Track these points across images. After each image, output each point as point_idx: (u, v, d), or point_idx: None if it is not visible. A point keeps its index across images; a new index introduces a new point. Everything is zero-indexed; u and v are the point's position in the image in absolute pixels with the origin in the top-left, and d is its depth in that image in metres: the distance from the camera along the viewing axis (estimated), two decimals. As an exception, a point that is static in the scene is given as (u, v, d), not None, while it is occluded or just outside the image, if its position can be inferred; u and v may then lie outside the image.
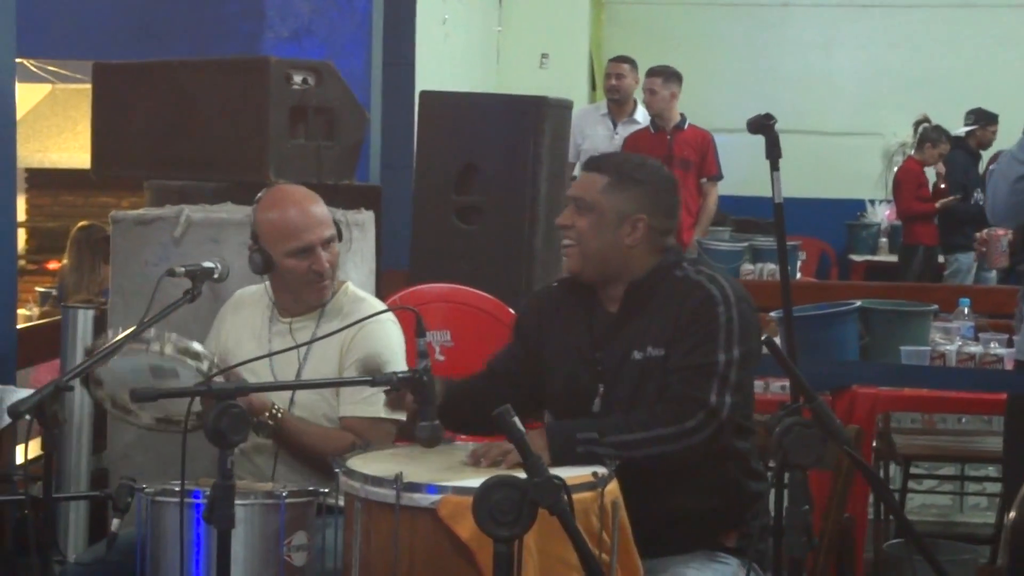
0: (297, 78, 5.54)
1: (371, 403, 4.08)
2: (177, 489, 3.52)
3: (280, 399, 4.10)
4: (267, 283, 4.34)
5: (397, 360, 4.16)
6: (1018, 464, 4.65)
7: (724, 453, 3.68)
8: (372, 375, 3.62)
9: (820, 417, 3.17)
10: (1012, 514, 3.93)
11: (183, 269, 4.09)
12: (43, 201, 13.22)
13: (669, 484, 3.65)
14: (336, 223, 4.28)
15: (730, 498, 3.67)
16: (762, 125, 3.99)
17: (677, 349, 3.66)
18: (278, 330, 4.28)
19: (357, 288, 4.38)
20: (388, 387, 3.58)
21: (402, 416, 3.99)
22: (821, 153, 13.69)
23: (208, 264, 4.13)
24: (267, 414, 4.00)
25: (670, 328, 3.68)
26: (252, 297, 4.41)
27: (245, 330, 4.33)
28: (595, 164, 3.89)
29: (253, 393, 3.81)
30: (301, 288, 4.22)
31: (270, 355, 4.03)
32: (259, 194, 4.30)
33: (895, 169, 12.79)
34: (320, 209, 4.24)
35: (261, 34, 8.01)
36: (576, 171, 9.92)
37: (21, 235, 12.85)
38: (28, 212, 13.25)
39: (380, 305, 4.33)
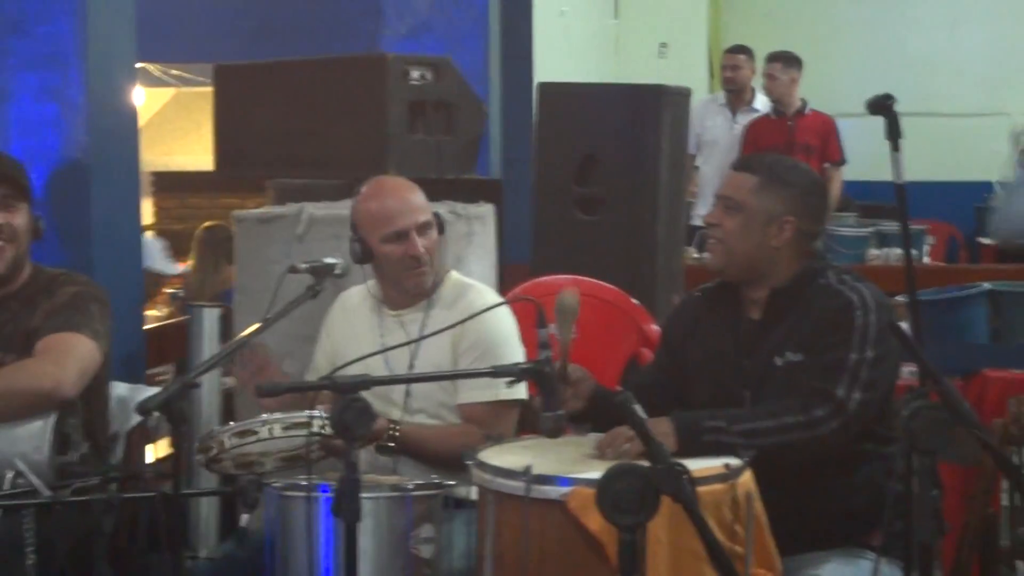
0: (415, 74, 5.56)
1: (490, 386, 4.06)
2: (305, 483, 3.54)
3: (396, 392, 4.11)
4: (368, 283, 4.37)
5: (512, 345, 4.16)
6: None
7: (867, 456, 3.67)
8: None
9: (948, 400, 3.12)
10: None
11: (305, 265, 4.11)
12: (170, 204, 13.39)
13: (810, 483, 3.63)
14: (437, 215, 4.28)
15: (873, 498, 3.62)
16: (882, 105, 3.93)
17: (813, 350, 3.66)
18: (388, 324, 4.28)
19: (462, 276, 4.38)
20: (511, 378, 3.58)
21: (523, 395, 4.00)
22: (947, 135, 13.49)
23: (330, 260, 4.15)
24: (386, 435, 4.00)
25: (809, 333, 3.69)
26: (357, 297, 4.43)
27: (356, 329, 4.34)
28: (746, 164, 3.91)
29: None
30: (399, 275, 4.23)
31: (384, 351, 4.03)
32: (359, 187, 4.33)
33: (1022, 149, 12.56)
34: (416, 197, 4.26)
35: (379, 32, 8.07)
36: (697, 162, 9.92)
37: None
38: (155, 215, 13.44)
39: (487, 290, 4.35)
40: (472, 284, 4.35)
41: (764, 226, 3.77)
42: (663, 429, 3.49)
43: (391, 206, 4.22)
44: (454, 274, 4.36)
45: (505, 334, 4.17)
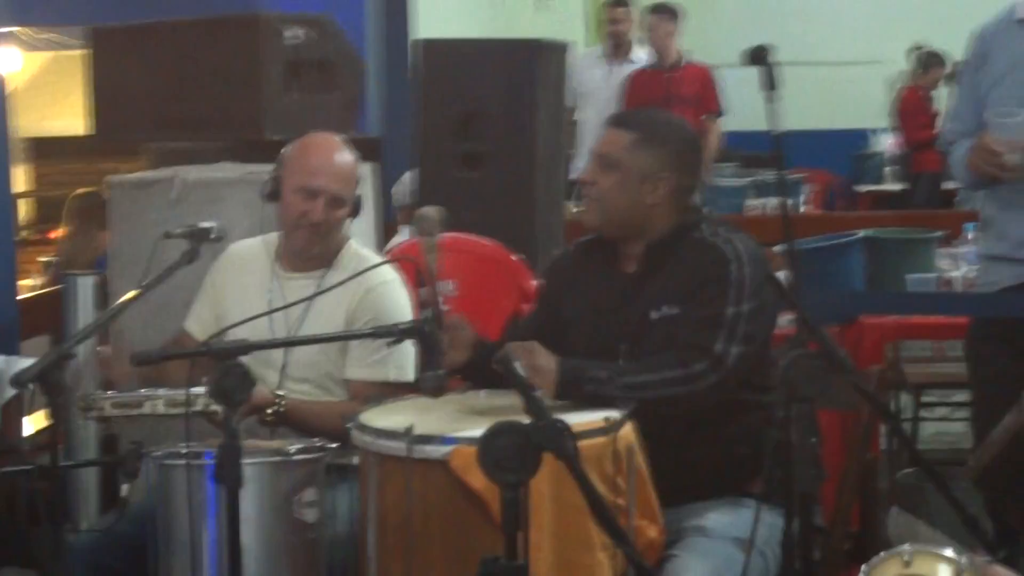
0: (291, 32, 5.51)
1: (382, 365, 4.05)
2: (185, 451, 3.52)
3: (275, 356, 4.08)
4: (266, 236, 4.33)
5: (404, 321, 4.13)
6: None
7: (745, 405, 3.70)
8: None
9: (824, 349, 3.15)
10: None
11: (180, 231, 4.06)
12: (47, 170, 13.18)
13: (690, 434, 3.66)
14: (357, 201, 4.24)
15: (753, 447, 3.66)
16: (758, 56, 3.94)
17: (689, 304, 3.67)
18: (280, 286, 4.22)
19: (361, 247, 4.35)
20: (392, 339, 3.57)
21: (411, 378, 3.98)
22: (825, 84, 13.63)
23: (205, 224, 4.10)
24: (270, 411, 3.94)
25: (685, 287, 3.70)
26: (250, 252, 4.35)
27: (246, 284, 4.27)
28: (621, 120, 3.91)
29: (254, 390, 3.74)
30: (290, 229, 4.18)
31: (269, 312, 3.96)
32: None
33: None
34: (345, 169, 4.21)
35: (258, -11, 7.97)
36: (576, 115, 9.92)
37: (26, 205, 12.85)
38: (33, 182, 13.22)
39: (385, 267, 4.30)
40: (370, 256, 4.31)
41: (640, 183, 3.77)
42: (547, 368, 3.51)
43: (317, 163, 4.17)
44: (353, 244, 4.31)
45: (402, 312, 4.11)
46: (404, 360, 4.04)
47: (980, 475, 3.88)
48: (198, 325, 4.27)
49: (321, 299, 4.03)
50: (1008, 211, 4.54)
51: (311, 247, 4.19)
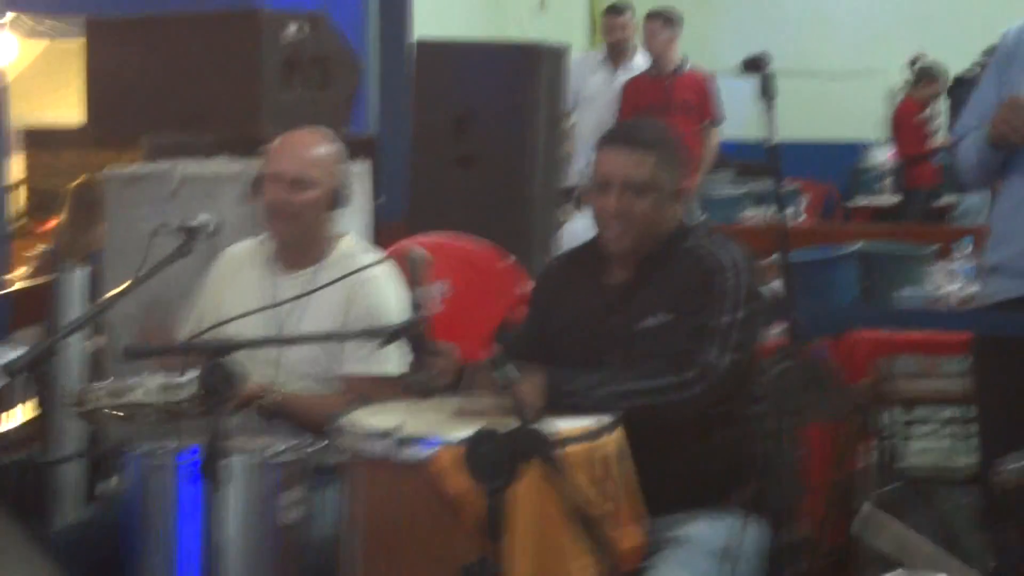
0: (289, 29, 5.50)
1: (377, 360, 4.04)
2: (169, 448, 3.51)
3: (271, 355, 4.08)
4: (261, 236, 4.32)
5: (398, 317, 4.13)
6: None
7: (731, 416, 3.68)
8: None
9: (813, 362, 3.15)
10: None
11: (175, 225, 4.06)
12: (43, 160, 13.14)
13: (675, 443, 3.64)
14: (340, 188, 4.23)
15: (736, 458, 3.65)
16: (756, 65, 3.94)
17: (682, 312, 3.67)
18: (278, 284, 4.22)
19: (359, 241, 4.34)
20: (384, 340, 3.56)
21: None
22: (823, 94, 13.61)
23: (202, 219, 4.09)
24: (267, 399, 3.95)
25: (678, 295, 3.70)
26: (245, 253, 4.36)
27: (243, 286, 4.28)
28: (632, 140, 3.78)
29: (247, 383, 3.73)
30: (266, 222, 4.21)
31: (257, 311, 3.95)
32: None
33: (897, 109, 12.72)
34: (308, 151, 4.23)
35: (256, -16, 7.96)
36: (573, 119, 9.89)
37: (19, 195, 12.81)
38: (28, 171, 13.18)
39: (380, 266, 4.29)
40: (367, 249, 4.31)
41: (674, 201, 3.78)
42: (534, 382, 3.49)
43: (282, 150, 4.21)
44: (348, 239, 4.31)
45: (396, 306, 4.10)
46: (398, 354, 4.03)
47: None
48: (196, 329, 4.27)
49: (317, 293, 4.02)
50: (1015, 219, 4.52)
51: (287, 234, 4.19)
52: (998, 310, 4.48)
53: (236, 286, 4.29)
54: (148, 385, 3.69)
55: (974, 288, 5.74)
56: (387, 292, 4.14)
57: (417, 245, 3.77)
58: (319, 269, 4.19)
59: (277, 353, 4.11)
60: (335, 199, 4.23)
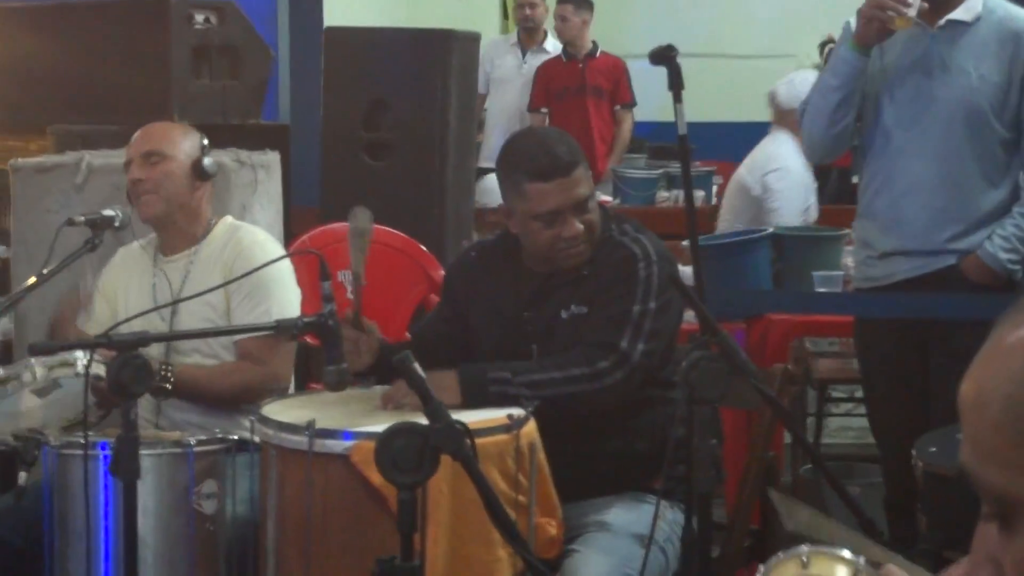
0: (199, 17, 5.48)
1: (266, 319, 3.94)
2: (82, 441, 3.48)
3: (162, 329, 4.03)
4: (145, 239, 4.31)
5: (284, 283, 4.12)
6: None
7: (650, 401, 3.70)
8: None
9: (726, 351, 3.16)
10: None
11: (83, 218, 4.02)
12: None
13: (594, 429, 3.66)
14: (197, 160, 4.18)
15: (657, 443, 3.66)
16: (664, 56, 3.95)
17: (597, 303, 3.68)
18: (159, 270, 4.21)
19: (236, 220, 4.33)
20: (292, 333, 3.55)
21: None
22: (736, 77, 13.66)
23: (109, 212, 4.06)
24: (159, 377, 3.87)
25: (593, 286, 3.71)
26: (132, 252, 4.34)
27: (130, 278, 4.27)
28: (559, 168, 3.68)
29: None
30: (133, 205, 4.19)
31: (155, 309, 3.95)
32: None
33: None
34: (154, 129, 4.23)
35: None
36: (486, 103, 9.87)
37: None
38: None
39: (259, 231, 4.31)
40: (242, 224, 4.31)
41: (598, 205, 3.79)
42: (448, 383, 3.49)
43: (133, 138, 4.22)
44: (228, 219, 4.30)
45: (277, 272, 4.07)
46: (286, 309, 4.02)
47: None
48: (98, 327, 4.23)
49: (197, 271, 4.08)
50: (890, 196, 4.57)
51: (154, 212, 4.15)
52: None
53: (128, 282, 4.27)
54: (34, 369, 3.67)
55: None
56: (266, 253, 4.10)
57: (361, 208, 3.74)
58: (199, 249, 4.18)
59: (168, 329, 4.06)
60: (195, 171, 4.18)
